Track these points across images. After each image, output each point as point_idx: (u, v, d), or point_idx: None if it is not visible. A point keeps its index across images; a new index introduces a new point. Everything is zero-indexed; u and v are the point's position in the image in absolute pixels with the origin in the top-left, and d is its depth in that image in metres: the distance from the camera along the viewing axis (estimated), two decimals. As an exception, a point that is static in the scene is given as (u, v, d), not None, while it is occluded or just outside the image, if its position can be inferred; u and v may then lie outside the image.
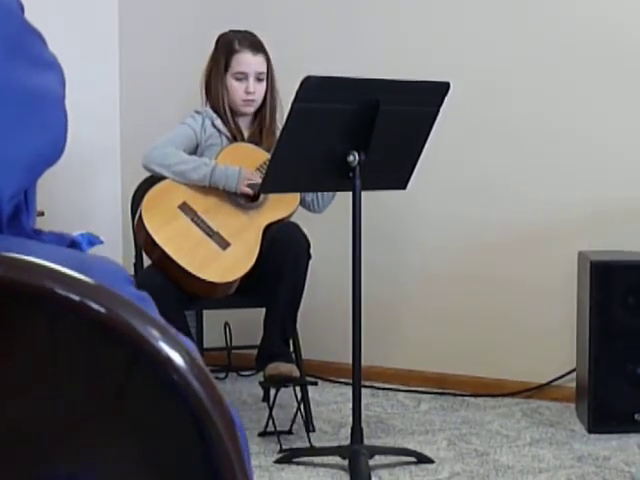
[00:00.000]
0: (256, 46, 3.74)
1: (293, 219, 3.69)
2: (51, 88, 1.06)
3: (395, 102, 3.16)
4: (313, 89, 3.04)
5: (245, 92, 3.72)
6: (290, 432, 3.56)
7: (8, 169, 1.00)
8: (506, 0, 4.11)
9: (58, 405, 0.81)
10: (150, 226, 3.50)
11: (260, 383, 3.60)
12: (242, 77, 3.72)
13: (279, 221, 3.62)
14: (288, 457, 3.33)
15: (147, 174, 3.71)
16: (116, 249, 4.69)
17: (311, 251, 3.56)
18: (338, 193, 3.64)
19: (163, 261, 3.47)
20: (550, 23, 4.03)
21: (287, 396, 3.80)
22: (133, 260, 3.83)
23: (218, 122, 3.72)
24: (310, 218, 3.80)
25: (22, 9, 1.06)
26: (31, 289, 0.78)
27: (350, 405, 3.24)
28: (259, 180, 3.45)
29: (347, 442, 3.23)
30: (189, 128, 3.71)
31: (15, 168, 1.01)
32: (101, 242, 1.11)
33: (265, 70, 3.75)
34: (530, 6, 4.07)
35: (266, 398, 3.76)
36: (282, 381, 3.50)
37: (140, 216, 3.53)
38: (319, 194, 3.72)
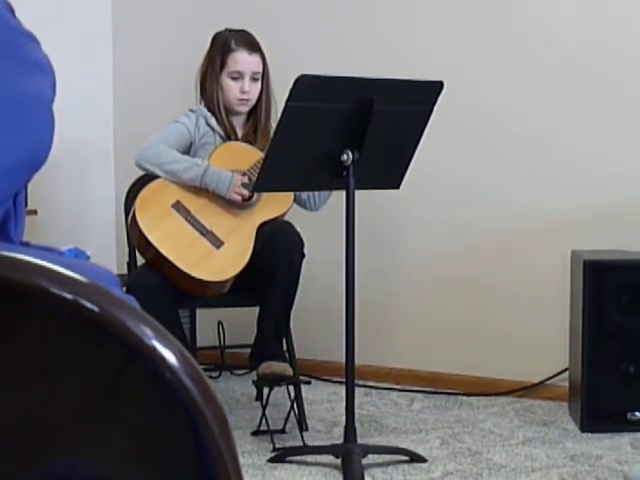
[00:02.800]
0: (252, 45, 3.73)
1: (287, 218, 3.69)
2: (39, 90, 1.05)
3: (389, 101, 3.16)
4: (307, 88, 3.04)
5: (240, 91, 3.71)
6: (283, 431, 3.56)
7: None
8: (500, 5, 4.12)
9: (53, 404, 0.81)
10: (144, 225, 3.50)
11: (253, 382, 3.60)
12: (238, 76, 3.72)
13: (273, 220, 3.62)
14: (281, 456, 3.33)
15: (141, 173, 3.71)
16: (110, 248, 4.69)
17: (305, 250, 3.56)
18: (333, 192, 3.64)
19: (157, 260, 3.47)
20: (541, 27, 4.03)
21: (280, 395, 3.80)
22: (127, 259, 3.83)
23: (212, 121, 3.72)
24: (304, 217, 3.80)
25: (12, 11, 1.05)
26: (25, 288, 0.78)
27: (343, 404, 3.24)
28: (253, 181, 3.46)
29: (340, 441, 3.24)
30: (183, 126, 3.70)
31: None
32: (87, 257, 1.10)
33: (261, 70, 3.74)
34: (522, 11, 4.07)
35: (259, 397, 3.77)
36: (275, 380, 3.50)
37: (134, 215, 3.53)
38: (315, 192, 3.72)
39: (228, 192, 3.56)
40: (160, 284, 3.43)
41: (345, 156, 3.14)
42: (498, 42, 4.11)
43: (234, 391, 4.19)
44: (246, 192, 3.58)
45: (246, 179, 3.58)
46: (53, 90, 1.08)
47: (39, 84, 1.05)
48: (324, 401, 4.05)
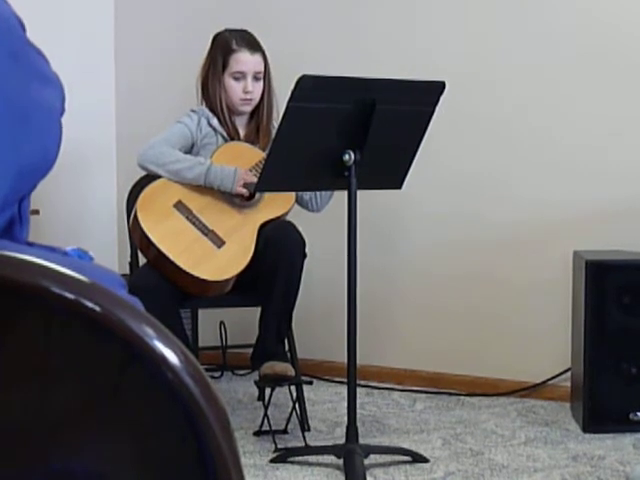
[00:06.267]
0: (254, 45, 3.74)
1: (288, 218, 3.69)
2: (49, 101, 1.07)
3: (391, 101, 3.16)
4: (309, 88, 3.04)
5: (243, 91, 3.71)
6: (285, 431, 3.56)
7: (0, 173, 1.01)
8: (501, 2, 4.12)
9: (53, 404, 0.81)
10: (145, 225, 3.50)
11: (255, 382, 3.60)
12: (240, 76, 3.72)
13: (274, 219, 3.62)
14: (283, 456, 3.33)
15: (143, 173, 3.71)
16: (111, 248, 4.69)
17: (306, 250, 3.56)
18: (335, 192, 3.64)
19: (158, 260, 3.47)
20: (545, 24, 4.03)
21: (282, 395, 3.80)
22: (128, 259, 3.83)
23: (214, 121, 3.72)
24: (305, 217, 3.80)
25: (24, 28, 1.07)
26: (26, 287, 0.78)
27: (345, 404, 3.24)
28: (255, 179, 3.46)
29: (342, 441, 3.24)
30: (185, 127, 3.70)
31: (6, 173, 1.02)
32: (90, 258, 1.11)
33: (263, 69, 3.75)
34: (523, 7, 4.07)
35: (261, 397, 3.76)
36: (277, 380, 3.50)
37: (135, 215, 3.53)
38: (317, 193, 3.72)
39: (233, 187, 3.56)
40: (162, 284, 3.43)
41: (347, 156, 3.14)
42: (500, 39, 4.10)
43: (236, 391, 4.19)
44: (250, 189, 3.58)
45: (251, 173, 3.58)
46: (62, 105, 1.10)
47: (49, 96, 1.07)
48: (326, 401, 4.05)
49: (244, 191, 3.57)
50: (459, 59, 4.15)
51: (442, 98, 3.26)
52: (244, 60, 3.72)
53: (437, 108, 3.27)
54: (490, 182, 4.14)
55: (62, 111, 1.10)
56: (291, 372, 3.52)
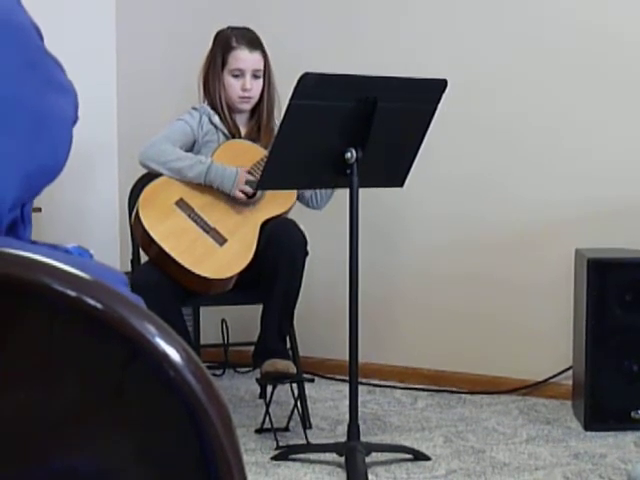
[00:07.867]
0: (253, 43, 3.74)
1: (290, 215, 3.69)
2: (62, 109, 1.09)
3: (393, 99, 3.16)
4: (311, 86, 3.04)
5: (242, 89, 3.72)
6: (287, 429, 3.56)
7: (11, 177, 1.02)
8: (503, 5, 4.11)
9: (55, 402, 0.81)
10: (147, 223, 3.50)
11: (257, 380, 3.60)
12: (239, 74, 3.72)
13: (276, 217, 3.62)
14: (284, 454, 3.33)
15: (144, 171, 3.71)
16: (113, 246, 4.69)
17: (308, 248, 3.56)
18: (337, 190, 3.64)
19: (160, 257, 3.47)
20: (544, 27, 4.03)
21: (284, 393, 3.80)
22: (130, 257, 3.83)
23: (215, 119, 3.72)
24: (307, 215, 3.80)
25: (41, 37, 1.09)
26: (28, 285, 0.78)
27: (347, 402, 3.24)
28: (255, 179, 3.46)
29: (344, 439, 3.24)
30: (186, 124, 3.71)
31: (18, 177, 1.03)
32: (90, 256, 1.12)
33: (262, 67, 3.75)
34: (524, 8, 4.07)
35: (263, 395, 3.76)
36: (279, 378, 3.50)
37: (137, 213, 3.53)
38: (318, 191, 3.72)
39: (233, 189, 3.56)
40: (163, 281, 3.43)
41: (349, 154, 3.14)
42: (501, 40, 4.10)
43: (237, 389, 4.19)
44: (250, 189, 3.58)
45: (250, 176, 3.58)
46: (75, 113, 1.12)
47: (63, 104, 1.09)
48: (327, 399, 4.05)
49: (242, 196, 3.58)
50: (460, 60, 4.15)
51: (443, 98, 3.25)
52: (242, 58, 3.72)
53: (438, 107, 3.27)
54: (491, 182, 4.14)
55: (75, 119, 1.12)
56: (292, 370, 3.52)
